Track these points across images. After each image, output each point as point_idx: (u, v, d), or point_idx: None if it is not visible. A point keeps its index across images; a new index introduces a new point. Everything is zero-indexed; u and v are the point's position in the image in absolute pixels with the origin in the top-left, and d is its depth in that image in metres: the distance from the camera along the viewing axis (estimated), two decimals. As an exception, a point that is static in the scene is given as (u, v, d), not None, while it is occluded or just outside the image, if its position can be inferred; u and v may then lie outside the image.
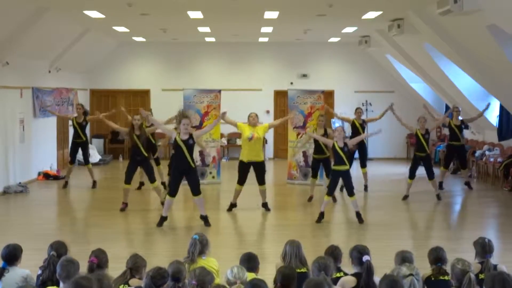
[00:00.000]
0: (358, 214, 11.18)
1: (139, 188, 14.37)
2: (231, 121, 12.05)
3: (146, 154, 12.33)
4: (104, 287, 4.46)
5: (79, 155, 15.54)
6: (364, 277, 5.16)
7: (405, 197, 13.55)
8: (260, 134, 12.03)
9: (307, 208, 12.87)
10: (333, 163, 11.40)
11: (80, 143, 15.08)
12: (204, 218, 10.94)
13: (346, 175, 11.20)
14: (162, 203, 11.86)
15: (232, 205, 12.36)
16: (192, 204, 12.05)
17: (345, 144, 11.10)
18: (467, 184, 14.88)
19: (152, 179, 12.35)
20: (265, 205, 12.36)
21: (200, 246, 5.85)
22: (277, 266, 5.26)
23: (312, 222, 11.62)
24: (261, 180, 12.18)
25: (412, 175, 13.54)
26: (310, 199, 13.37)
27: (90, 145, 20.38)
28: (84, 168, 15.49)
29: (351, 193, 11.16)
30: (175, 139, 10.68)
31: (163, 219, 10.88)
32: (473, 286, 4.75)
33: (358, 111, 14.89)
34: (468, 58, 13.64)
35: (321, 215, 11.20)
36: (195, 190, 10.83)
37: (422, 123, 13.49)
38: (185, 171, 10.76)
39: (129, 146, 13.13)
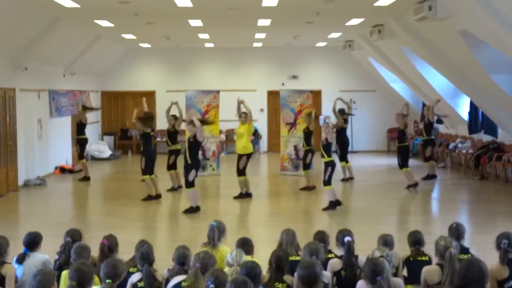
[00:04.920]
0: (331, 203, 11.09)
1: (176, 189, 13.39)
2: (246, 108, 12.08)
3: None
4: (118, 273, 4.47)
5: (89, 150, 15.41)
6: (345, 255, 5.19)
7: (415, 185, 13.17)
8: (241, 130, 12.06)
9: (298, 196, 12.87)
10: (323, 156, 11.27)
11: (80, 140, 15.01)
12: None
13: (334, 166, 11.19)
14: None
15: (247, 194, 12.32)
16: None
17: (326, 139, 11.02)
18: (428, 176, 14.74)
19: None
20: (244, 194, 12.29)
21: (218, 233, 5.76)
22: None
23: (303, 209, 11.65)
24: (239, 172, 12.13)
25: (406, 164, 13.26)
26: (310, 188, 13.22)
27: (101, 141, 20.40)
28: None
29: (328, 182, 11.04)
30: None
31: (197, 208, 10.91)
32: (454, 260, 4.76)
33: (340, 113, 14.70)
34: (442, 60, 13.65)
35: (337, 202, 11.09)
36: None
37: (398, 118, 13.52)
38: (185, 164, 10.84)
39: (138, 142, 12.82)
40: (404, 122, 13.35)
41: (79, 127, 15.19)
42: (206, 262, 4.61)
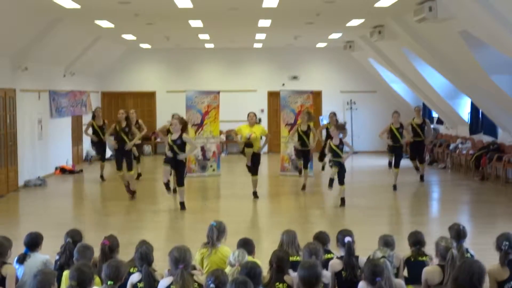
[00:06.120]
0: (342, 200, 11.34)
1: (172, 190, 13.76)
2: (236, 138, 12.25)
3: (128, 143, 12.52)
4: (120, 274, 4.47)
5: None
6: (345, 256, 5.18)
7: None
8: (257, 134, 12.16)
9: (298, 197, 12.87)
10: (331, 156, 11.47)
11: (99, 143, 15.09)
12: (181, 204, 11.14)
13: (341, 166, 11.30)
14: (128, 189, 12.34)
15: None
16: (196, 195, 12.03)
17: (340, 140, 11.19)
18: (421, 177, 14.54)
19: (129, 168, 12.43)
20: (254, 193, 12.37)
21: (217, 233, 5.75)
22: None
23: (303, 209, 11.64)
24: (254, 171, 12.21)
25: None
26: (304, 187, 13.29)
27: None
28: (98, 163, 15.47)
29: (341, 182, 11.28)
30: (168, 140, 10.95)
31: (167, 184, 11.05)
32: (455, 261, 4.76)
33: (331, 116, 14.87)
34: (442, 61, 13.66)
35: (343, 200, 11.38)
36: (180, 182, 11.07)
37: (395, 118, 13.53)
38: (173, 164, 10.92)
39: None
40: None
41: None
42: (184, 257, 4.62)
